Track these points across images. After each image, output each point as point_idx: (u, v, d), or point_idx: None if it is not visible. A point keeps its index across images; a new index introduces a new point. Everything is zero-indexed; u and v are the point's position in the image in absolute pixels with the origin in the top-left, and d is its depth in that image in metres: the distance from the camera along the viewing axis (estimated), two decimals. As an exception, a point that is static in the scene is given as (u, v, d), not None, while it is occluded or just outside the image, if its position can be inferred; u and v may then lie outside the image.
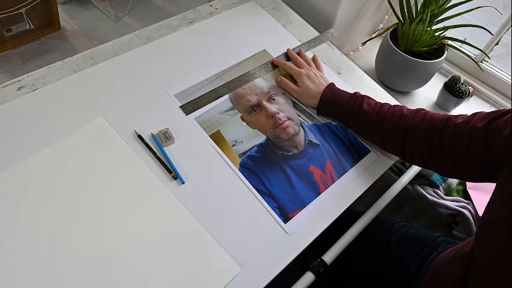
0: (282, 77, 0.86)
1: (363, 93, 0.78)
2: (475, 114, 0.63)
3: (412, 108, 0.72)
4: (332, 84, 0.82)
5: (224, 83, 0.84)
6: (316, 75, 0.84)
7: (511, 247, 0.49)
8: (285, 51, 0.93)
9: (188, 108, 0.79)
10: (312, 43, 0.98)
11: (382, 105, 0.75)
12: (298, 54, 0.91)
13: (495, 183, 0.57)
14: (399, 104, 0.83)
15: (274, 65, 0.90)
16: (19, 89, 0.75)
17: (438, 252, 0.72)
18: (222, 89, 0.83)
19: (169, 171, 0.69)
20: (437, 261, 0.70)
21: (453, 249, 0.70)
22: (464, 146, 0.61)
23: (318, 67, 0.89)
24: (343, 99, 0.78)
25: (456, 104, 1.10)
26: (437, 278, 0.68)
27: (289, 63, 0.88)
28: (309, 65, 0.88)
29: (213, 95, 0.82)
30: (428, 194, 0.92)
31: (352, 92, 0.79)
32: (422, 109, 0.71)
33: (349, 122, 0.79)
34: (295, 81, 0.85)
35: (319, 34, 1.01)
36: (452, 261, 0.66)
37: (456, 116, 0.65)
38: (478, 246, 0.57)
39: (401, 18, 1.06)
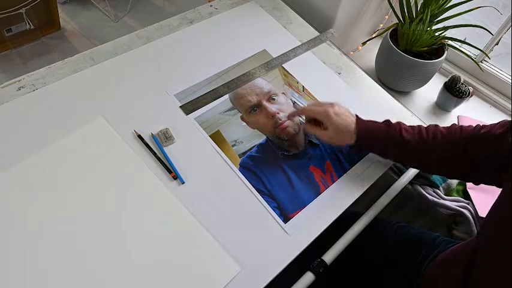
0: (308, 123, 0.76)
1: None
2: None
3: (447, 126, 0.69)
4: (358, 117, 0.73)
5: (224, 83, 0.84)
6: (341, 109, 0.72)
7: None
8: (285, 51, 0.92)
9: (188, 108, 0.79)
10: (312, 43, 0.98)
11: (420, 129, 0.70)
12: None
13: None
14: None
15: (274, 65, 0.90)
16: (19, 89, 0.75)
17: (438, 252, 0.72)
18: (222, 89, 0.83)
19: (169, 171, 0.69)
20: (437, 261, 0.70)
21: (454, 249, 0.70)
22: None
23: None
24: (379, 132, 0.71)
25: (456, 104, 1.10)
26: (437, 277, 0.68)
27: (309, 107, 0.77)
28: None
29: (213, 95, 0.82)
30: (428, 194, 0.92)
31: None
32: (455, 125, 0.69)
33: (388, 154, 0.73)
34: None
35: (319, 34, 1.01)
36: (453, 261, 0.66)
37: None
38: (481, 247, 0.58)
39: (401, 18, 1.05)
